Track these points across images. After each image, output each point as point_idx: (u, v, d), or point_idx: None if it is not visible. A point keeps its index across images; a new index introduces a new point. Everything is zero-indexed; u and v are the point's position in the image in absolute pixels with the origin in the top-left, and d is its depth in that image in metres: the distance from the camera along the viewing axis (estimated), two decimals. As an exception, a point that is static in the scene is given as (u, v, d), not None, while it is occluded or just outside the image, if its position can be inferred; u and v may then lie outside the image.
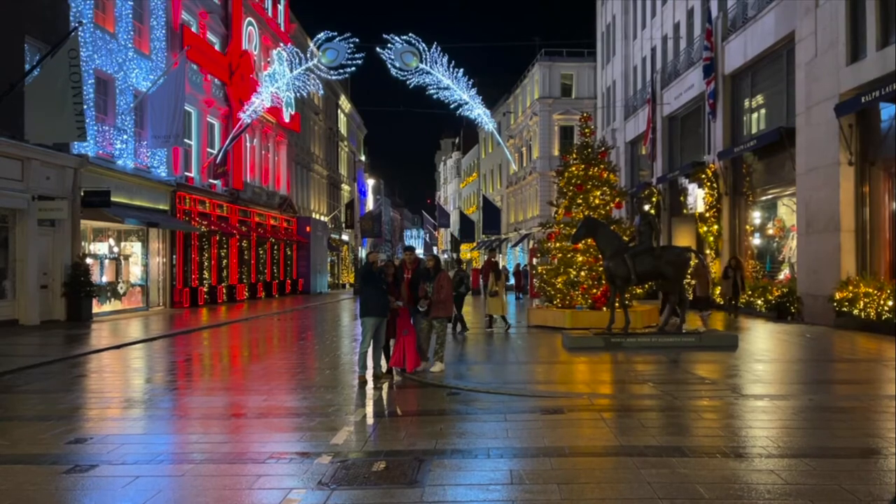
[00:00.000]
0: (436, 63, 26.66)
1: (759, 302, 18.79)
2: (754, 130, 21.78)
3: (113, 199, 19.76)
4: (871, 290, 14.25)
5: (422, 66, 26.45)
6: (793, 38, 18.25)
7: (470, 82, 27.87)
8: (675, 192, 27.65)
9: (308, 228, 40.22)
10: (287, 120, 35.99)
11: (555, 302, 16.99)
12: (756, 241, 21.80)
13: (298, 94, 31.46)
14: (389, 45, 26.05)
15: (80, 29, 17.17)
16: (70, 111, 15.65)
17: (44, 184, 17.65)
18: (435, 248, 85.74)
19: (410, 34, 26.38)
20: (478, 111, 29.13)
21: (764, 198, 21.30)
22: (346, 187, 57.39)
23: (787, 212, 19.85)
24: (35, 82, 15.88)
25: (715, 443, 5.95)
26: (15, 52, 16.58)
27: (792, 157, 18.05)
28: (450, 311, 10.31)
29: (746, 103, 22.50)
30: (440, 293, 9.85)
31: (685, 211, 26.41)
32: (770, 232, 20.98)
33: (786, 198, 19.78)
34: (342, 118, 56.23)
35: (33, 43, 17.23)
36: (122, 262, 22.74)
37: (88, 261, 19.86)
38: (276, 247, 36.28)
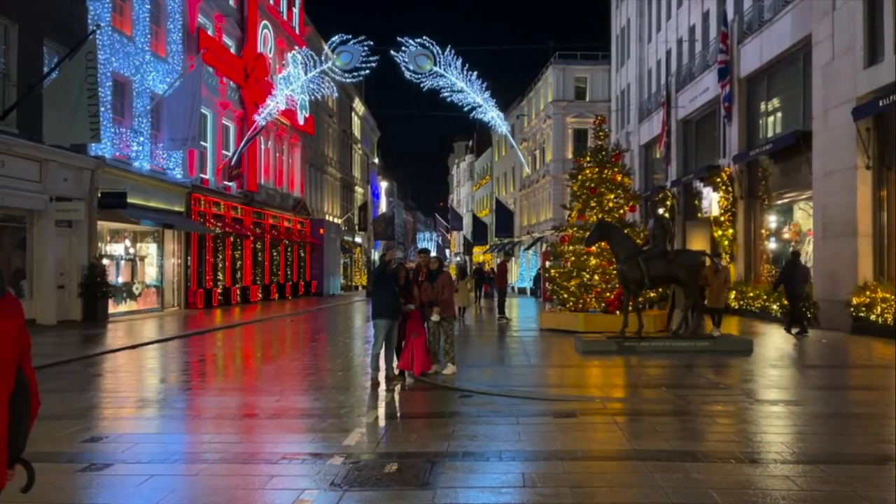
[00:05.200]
0: (450, 66, 26.70)
1: (775, 307, 18.62)
2: (770, 134, 21.61)
3: (129, 200, 19.95)
4: (888, 296, 14.08)
5: (435, 68, 26.50)
6: (809, 41, 18.10)
7: (483, 85, 27.91)
8: (690, 195, 27.49)
9: (321, 230, 40.38)
10: (301, 122, 36.18)
11: (568, 305, 16.94)
12: (772, 245, 21.62)
13: (313, 97, 31.63)
14: (403, 47, 26.15)
15: (98, 32, 17.35)
16: (85, 113, 15.82)
17: (61, 185, 17.84)
18: (447, 251, 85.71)
19: (424, 37, 26.48)
20: (491, 114, 29.14)
21: (780, 202, 21.13)
22: (359, 190, 57.57)
23: (803, 216, 19.68)
24: (53, 85, 16.07)
25: (729, 448, 5.91)
26: (34, 55, 16.80)
27: (808, 160, 17.89)
28: (454, 310, 10.32)
29: (762, 106, 22.34)
30: (443, 293, 9.85)
31: (699, 215, 26.23)
32: (786, 236, 20.81)
33: (802, 202, 19.60)
34: (356, 121, 56.44)
35: (52, 46, 17.45)
36: (138, 262, 22.94)
37: (105, 261, 20.05)
38: (289, 249, 36.46)
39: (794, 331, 15.28)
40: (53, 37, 17.44)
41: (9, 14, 15.91)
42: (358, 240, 54.71)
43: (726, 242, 22.91)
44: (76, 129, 15.93)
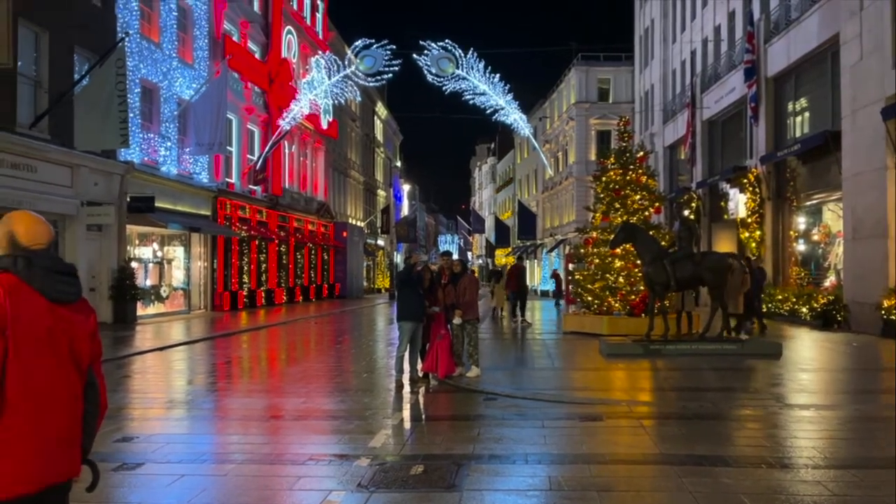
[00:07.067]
0: (472, 69, 26.73)
1: (804, 310, 18.33)
2: (798, 134, 21.30)
3: (157, 204, 20.25)
4: (921, 298, 13.79)
5: (458, 71, 26.55)
6: (837, 40, 17.82)
7: (506, 87, 27.89)
8: (716, 197, 27.18)
9: (345, 233, 40.61)
10: (325, 126, 36.44)
11: (592, 308, 16.84)
12: (800, 247, 21.30)
13: (336, 101, 31.85)
14: (426, 51, 26.24)
15: (127, 39, 17.65)
16: (115, 119, 16.12)
17: (92, 190, 18.16)
18: (469, 254, 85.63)
19: (447, 40, 26.53)
20: (514, 116, 29.11)
21: (808, 203, 20.80)
22: (381, 193, 57.80)
23: (832, 217, 19.35)
24: (83, 91, 16.39)
25: (759, 452, 5.83)
26: (65, 63, 17.14)
27: (838, 161, 17.60)
28: (477, 312, 10.30)
29: (790, 106, 22.03)
30: (465, 295, 9.85)
31: (726, 216, 25.91)
32: (815, 238, 20.48)
33: (831, 203, 19.28)
34: (378, 124, 56.70)
35: (82, 53, 17.79)
36: (166, 265, 23.27)
37: (133, 265, 20.37)
38: (313, 252, 36.72)
39: (743, 331, 14.38)
40: (84, 44, 17.78)
41: (40, 22, 16.26)
42: (380, 243, 54.93)
43: (753, 244, 22.61)
44: (107, 135, 16.23)
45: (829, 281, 19.14)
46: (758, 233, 22.49)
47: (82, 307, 2.39)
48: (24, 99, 15.91)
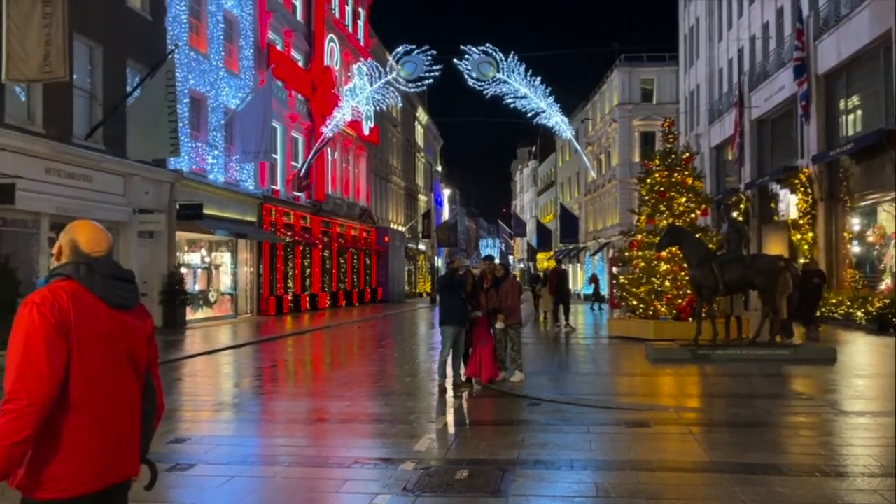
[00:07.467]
0: (513, 72, 26.70)
1: (860, 314, 17.73)
2: (851, 132, 20.66)
3: (205, 211, 20.71)
4: None
5: (499, 75, 26.54)
6: (890, 35, 17.26)
7: (547, 90, 27.76)
8: (765, 198, 26.53)
9: (386, 238, 40.93)
10: (367, 133, 36.81)
11: (637, 312, 16.60)
12: (855, 249, 20.62)
13: (378, 108, 32.16)
14: (466, 56, 26.31)
15: (176, 51, 18.15)
16: (165, 129, 16.60)
17: (143, 198, 18.70)
18: (511, 258, 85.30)
19: (488, 44, 26.55)
20: (555, 119, 28.99)
21: (863, 203, 20.14)
22: (422, 197, 58.06)
23: (888, 218, 18.70)
24: (135, 103, 16.93)
25: (813, 461, 5.66)
26: (118, 75, 17.73)
27: (893, 159, 17.01)
28: (519, 316, 10.24)
29: (842, 104, 21.38)
30: (507, 299, 9.80)
31: (776, 218, 25.27)
32: (870, 239, 19.80)
33: (886, 203, 18.63)
34: (419, 130, 57.01)
35: (134, 66, 18.36)
36: (213, 271, 23.79)
37: (183, 270, 20.87)
38: (356, 256, 37.10)
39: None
40: (135, 57, 18.34)
41: (94, 37, 16.84)
42: (422, 247, 55.15)
43: (806, 247, 21.99)
44: (157, 145, 16.73)
45: (885, 284, 18.48)
46: (810, 234, 21.86)
47: (140, 312, 2.47)
48: (79, 111, 16.49)
